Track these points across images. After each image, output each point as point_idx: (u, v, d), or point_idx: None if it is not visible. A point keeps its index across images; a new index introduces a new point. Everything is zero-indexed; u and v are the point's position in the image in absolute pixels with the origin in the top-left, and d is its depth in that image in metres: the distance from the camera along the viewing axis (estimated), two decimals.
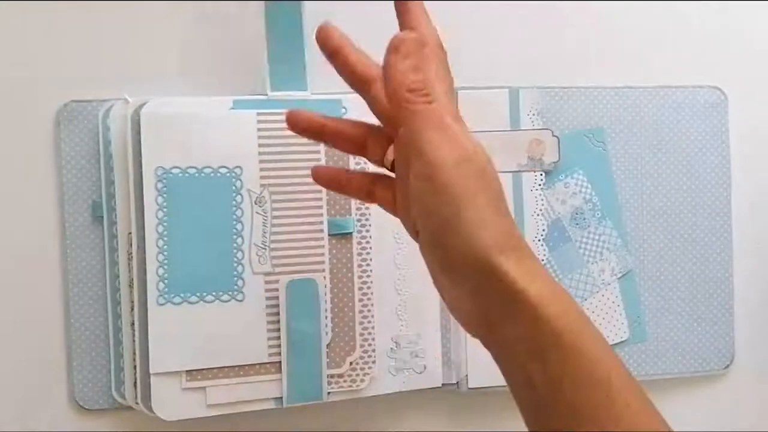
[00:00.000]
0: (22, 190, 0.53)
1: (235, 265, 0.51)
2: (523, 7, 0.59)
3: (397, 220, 0.53)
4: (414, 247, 0.54)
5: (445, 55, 0.41)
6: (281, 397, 0.52)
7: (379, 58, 0.37)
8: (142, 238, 0.50)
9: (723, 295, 0.60)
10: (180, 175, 0.51)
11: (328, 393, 0.53)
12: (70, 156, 0.53)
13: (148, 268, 0.50)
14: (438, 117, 0.36)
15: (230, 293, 0.51)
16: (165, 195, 0.50)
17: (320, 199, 0.53)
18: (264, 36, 0.53)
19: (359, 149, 0.43)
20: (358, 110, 0.53)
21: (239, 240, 0.51)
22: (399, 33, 0.38)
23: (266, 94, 0.53)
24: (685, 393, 0.61)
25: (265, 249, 0.52)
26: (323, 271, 0.52)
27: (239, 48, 0.55)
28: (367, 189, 0.43)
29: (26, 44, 0.53)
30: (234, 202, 0.51)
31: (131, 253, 0.51)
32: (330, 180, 0.45)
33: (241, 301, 0.51)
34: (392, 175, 0.41)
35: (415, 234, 0.39)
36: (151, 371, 0.50)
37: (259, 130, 0.52)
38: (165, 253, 0.50)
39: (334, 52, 0.40)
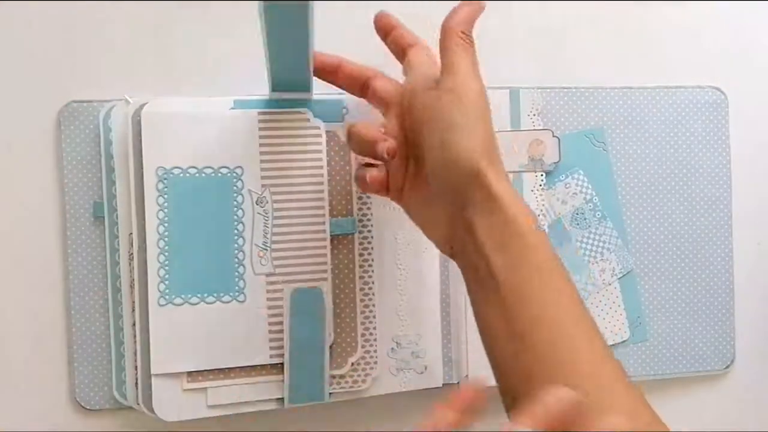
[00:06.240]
0: (24, 191, 0.53)
1: (236, 265, 0.51)
2: (524, 8, 0.59)
3: (397, 221, 0.54)
4: (414, 247, 0.55)
5: None
6: (283, 398, 0.52)
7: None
8: (143, 239, 0.50)
9: (723, 295, 0.60)
10: (181, 175, 0.51)
11: (330, 393, 0.53)
12: (71, 156, 0.53)
13: (149, 269, 0.50)
14: (474, 56, 0.46)
15: (231, 294, 0.51)
16: (166, 195, 0.50)
17: (322, 199, 0.52)
18: (263, 37, 0.53)
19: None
20: (358, 110, 0.54)
21: (240, 241, 0.51)
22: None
23: (267, 94, 0.53)
24: (685, 393, 0.61)
25: (266, 250, 0.52)
26: (325, 272, 0.52)
27: (239, 48, 0.55)
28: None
29: (27, 45, 0.53)
30: (235, 203, 0.51)
31: (132, 253, 0.51)
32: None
33: (242, 302, 0.51)
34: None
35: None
36: (152, 372, 0.50)
37: (260, 129, 0.52)
38: (166, 253, 0.50)
39: (386, 33, 0.50)
